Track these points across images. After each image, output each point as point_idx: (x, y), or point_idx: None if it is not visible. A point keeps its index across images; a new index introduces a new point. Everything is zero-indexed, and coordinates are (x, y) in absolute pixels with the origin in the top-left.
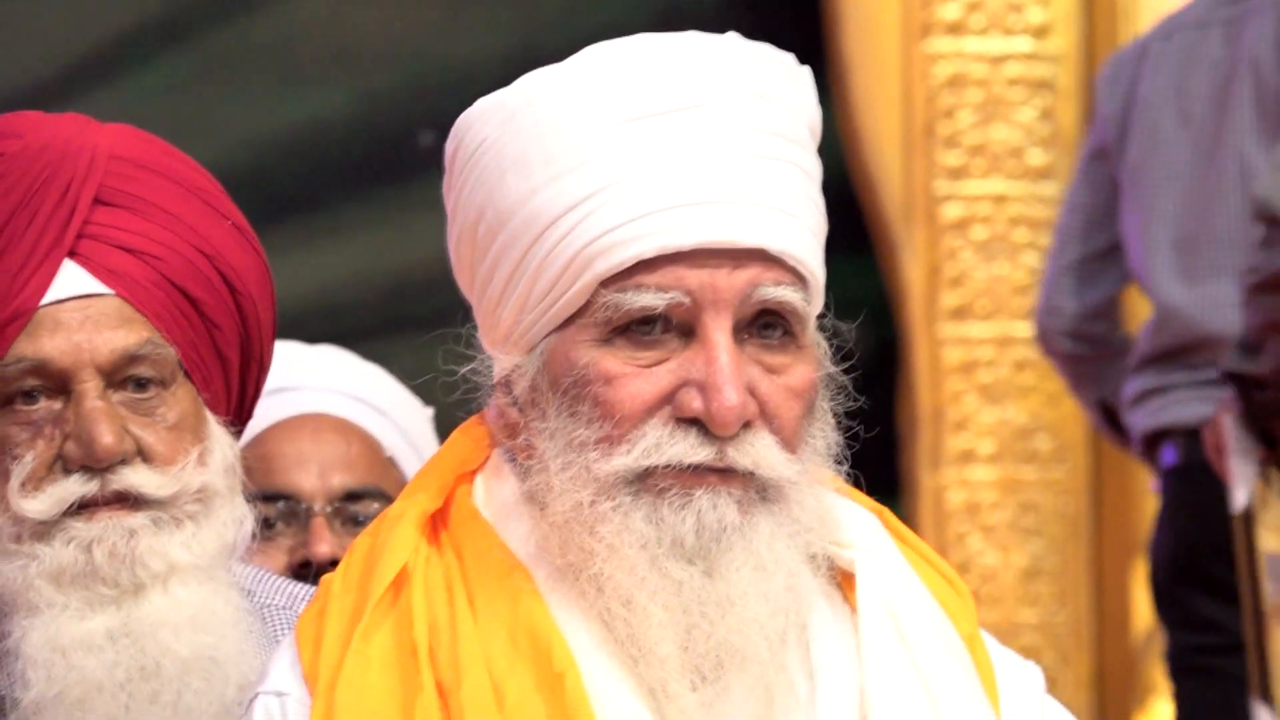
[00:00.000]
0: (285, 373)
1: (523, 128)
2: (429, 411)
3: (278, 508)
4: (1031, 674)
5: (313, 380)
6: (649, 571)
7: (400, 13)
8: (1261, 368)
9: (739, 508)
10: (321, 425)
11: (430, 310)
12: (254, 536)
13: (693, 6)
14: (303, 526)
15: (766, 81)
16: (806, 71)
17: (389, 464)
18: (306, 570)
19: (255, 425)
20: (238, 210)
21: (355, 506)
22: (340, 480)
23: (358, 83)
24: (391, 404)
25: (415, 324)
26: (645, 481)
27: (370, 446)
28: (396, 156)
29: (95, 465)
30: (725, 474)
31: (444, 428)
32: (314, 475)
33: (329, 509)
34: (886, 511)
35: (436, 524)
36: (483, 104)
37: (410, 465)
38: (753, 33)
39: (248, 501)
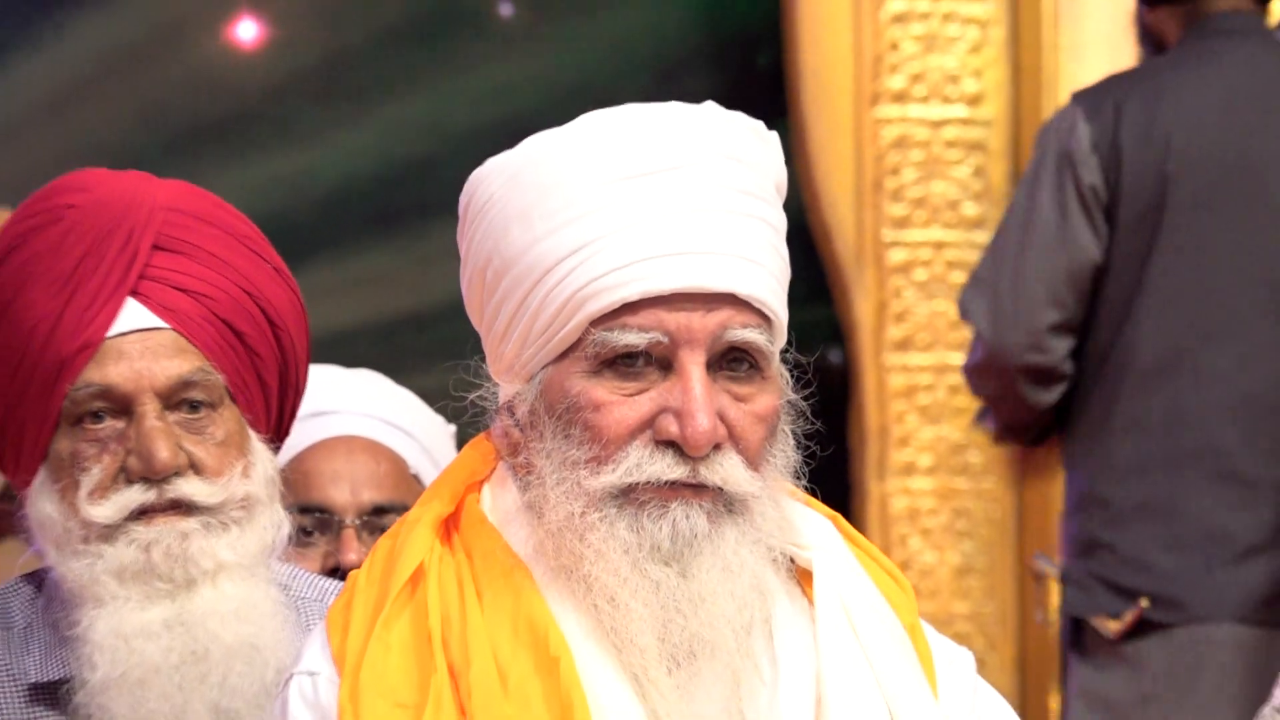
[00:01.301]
0: (325, 397)
1: (525, 185)
2: (451, 428)
3: (314, 519)
4: (964, 658)
5: (348, 405)
6: (631, 573)
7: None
8: None
9: (708, 518)
10: (354, 446)
11: (445, 341)
12: (290, 540)
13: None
14: (335, 536)
15: (739, 145)
16: (774, 136)
17: (413, 481)
18: (337, 575)
19: (297, 444)
20: (276, 254)
21: (382, 519)
22: (369, 496)
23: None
24: (417, 425)
25: (432, 354)
26: (628, 495)
27: (397, 465)
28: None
29: (154, 476)
30: (697, 489)
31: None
32: (346, 491)
33: (358, 521)
34: (839, 517)
35: (449, 527)
36: (491, 163)
37: (432, 479)
38: (727, 99)
39: (287, 511)
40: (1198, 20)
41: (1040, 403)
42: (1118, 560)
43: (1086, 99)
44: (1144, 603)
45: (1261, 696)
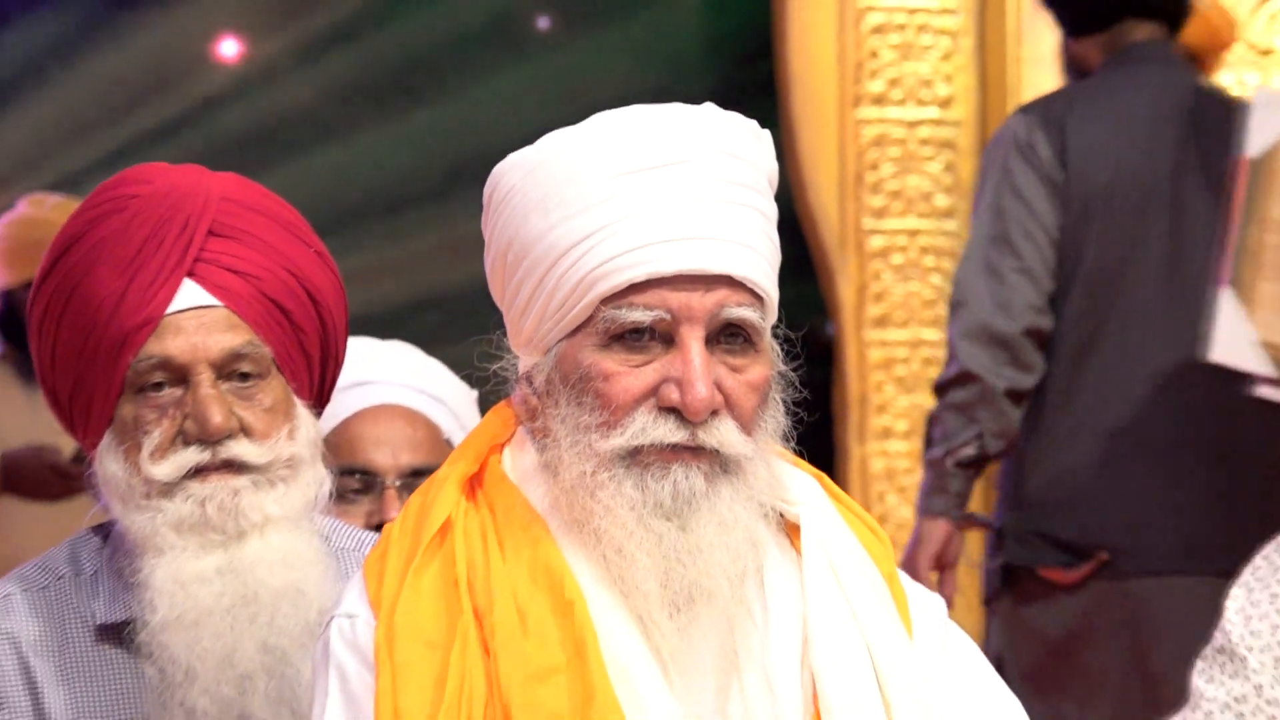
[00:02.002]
0: (364, 368)
1: (542, 178)
2: (474, 393)
3: (359, 480)
4: (935, 603)
5: (386, 376)
6: (636, 527)
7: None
8: None
9: (705, 478)
10: (394, 414)
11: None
12: (333, 498)
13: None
14: (378, 496)
15: (735, 142)
16: (767, 134)
17: (445, 444)
18: (379, 531)
19: (342, 412)
20: (318, 239)
21: (419, 481)
22: (408, 459)
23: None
24: (447, 393)
25: (460, 329)
26: (634, 457)
27: (432, 431)
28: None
29: (208, 439)
30: (696, 451)
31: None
32: (388, 455)
33: (398, 482)
34: (823, 475)
35: (473, 484)
36: (512, 158)
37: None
38: (725, 101)
39: (334, 473)
40: (1117, 49)
41: (1023, 385)
42: (1058, 517)
43: (1038, 110)
44: (1103, 556)
45: (1189, 638)
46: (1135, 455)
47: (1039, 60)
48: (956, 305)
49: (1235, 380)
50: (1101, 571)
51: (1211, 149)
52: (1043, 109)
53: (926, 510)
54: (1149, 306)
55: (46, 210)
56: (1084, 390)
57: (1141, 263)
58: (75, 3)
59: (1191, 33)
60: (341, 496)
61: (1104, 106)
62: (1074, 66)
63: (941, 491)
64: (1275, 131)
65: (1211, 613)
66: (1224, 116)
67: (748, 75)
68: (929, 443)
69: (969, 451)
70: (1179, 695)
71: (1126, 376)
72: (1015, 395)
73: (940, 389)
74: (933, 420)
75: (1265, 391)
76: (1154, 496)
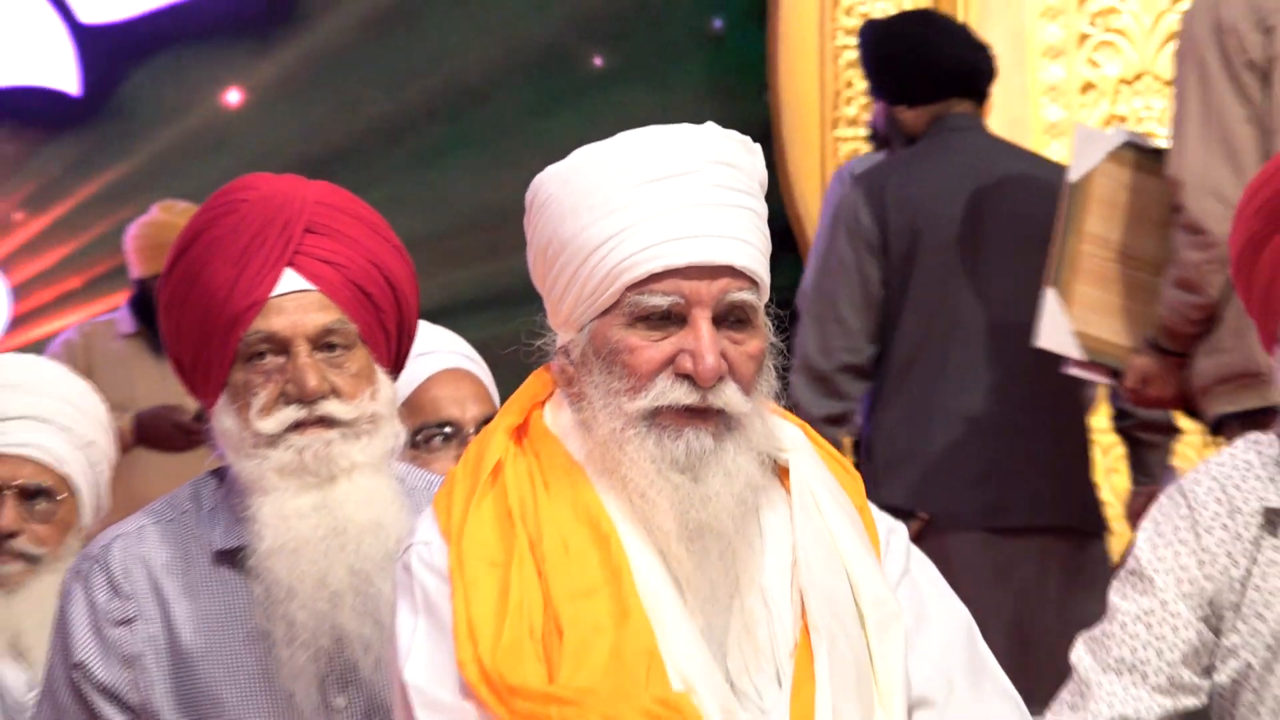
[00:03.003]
0: (425, 340)
1: (574, 187)
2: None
3: (444, 432)
4: (900, 529)
5: (443, 345)
6: (656, 477)
7: None
8: None
9: (713, 438)
10: (459, 375)
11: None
12: (420, 446)
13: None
14: (462, 442)
15: (732, 155)
16: (758, 147)
17: (491, 395)
18: None
19: (418, 376)
20: (395, 236)
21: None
22: (477, 410)
23: None
24: (477, 355)
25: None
26: (654, 418)
27: (483, 386)
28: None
29: (305, 399)
30: (704, 413)
31: (524, 376)
32: (463, 409)
33: (473, 430)
34: (806, 425)
35: (519, 434)
36: (550, 170)
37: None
38: (725, 122)
39: (423, 429)
40: (937, 120)
41: (855, 393)
42: (890, 485)
43: (864, 183)
44: (924, 516)
45: (996, 583)
46: (948, 434)
47: None
48: (796, 348)
49: (1056, 363)
50: (925, 530)
51: (1012, 195)
52: (867, 182)
53: None
54: (962, 318)
55: (174, 215)
56: (910, 388)
57: (955, 287)
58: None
59: None
60: (430, 446)
61: (921, 169)
62: (901, 131)
63: None
64: (1091, 161)
65: (1011, 563)
66: (1022, 169)
67: (747, 102)
68: None
69: None
70: (988, 639)
71: (941, 376)
72: (833, 419)
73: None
74: None
75: (1077, 371)
76: (963, 466)
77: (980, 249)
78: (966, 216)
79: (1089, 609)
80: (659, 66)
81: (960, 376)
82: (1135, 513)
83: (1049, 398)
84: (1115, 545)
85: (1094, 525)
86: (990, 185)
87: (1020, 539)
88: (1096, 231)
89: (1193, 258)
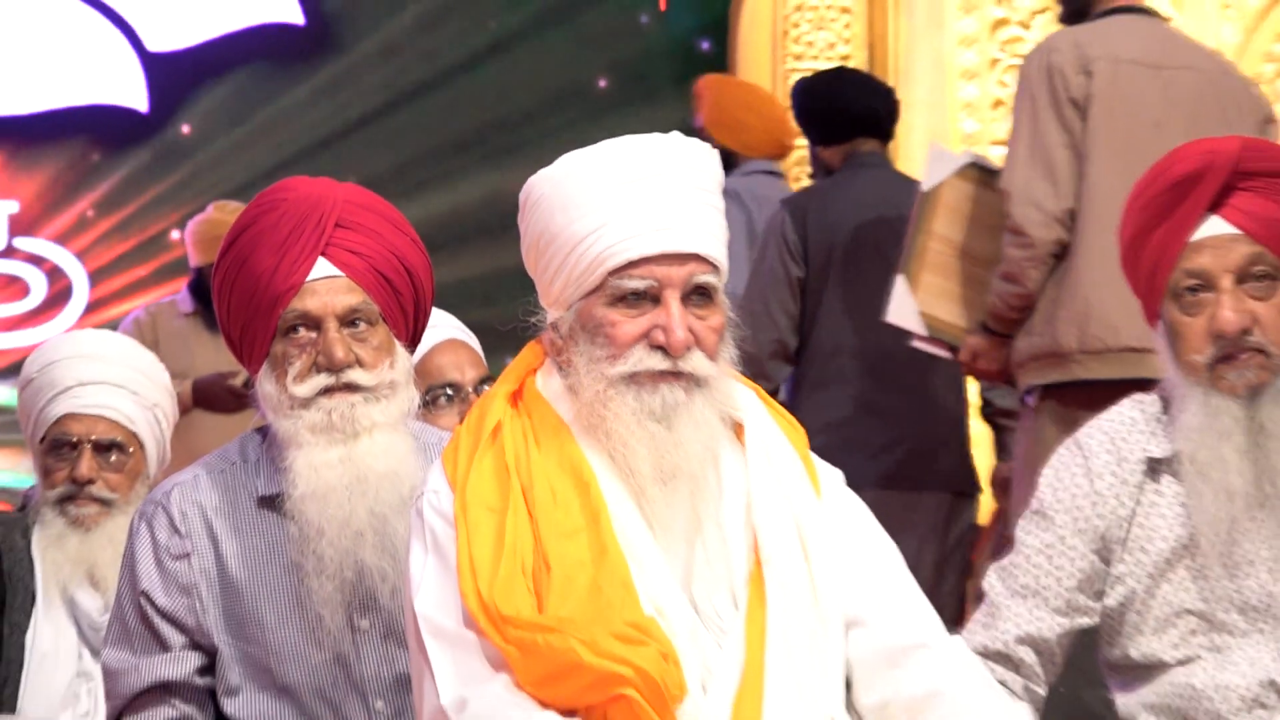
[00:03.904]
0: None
1: (562, 187)
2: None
3: (448, 393)
4: (837, 474)
5: (442, 321)
6: (635, 427)
7: None
8: None
9: (684, 392)
10: (457, 345)
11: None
12: (434, 405)
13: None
14: (464, 400)
15: (694, 159)
16: (715, 152)
17: (484, 362)
18: None
19: (422, 348)
20: (413, 230)
21: (485, 386)
22: (474, 374)
23: None
24: (466, 327)
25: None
26: (632, 380)
27: (477, 353)
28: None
29: (334, 369)
30: (676, 375)
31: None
32: (463, 373)
33: (473, 390)
34: (759, 388)
35: (516, 398)
36: (541, 173)
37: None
38: (687, 129)
39: (431, 389)
40: (851, 156)
41: (780, 375)
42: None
43: (790, 205)
44: None
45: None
46: (852, 414)
47: (911, 105)
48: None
49: (903, 336)
50: None
51: (905, 219)
52: (793, 206)
53: None
54: (865, 318)
55: (225, 213)
56: (826, 372)
57: (860, 292)
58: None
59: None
60: (436, 404)
61: (835, 196)
62: (821, 165)
63: None
64: (941, 175)
65: (900, 517)
66: (910, 195)
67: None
68: None
69: None
70: None
71: (845, 359)
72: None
73: None
74: None
75: (921, 345)
76: (863, 440)
77: (879, 261)
78: (869, 235)
79: (958, 555)
80: (656, 84)
81: (862, 366)
82: (997, 482)
83: (935, 385)
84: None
85: (969, 488)
86: (889, 211)
87: (907, 496)
88: (942, 232)
89: (1015, 255)
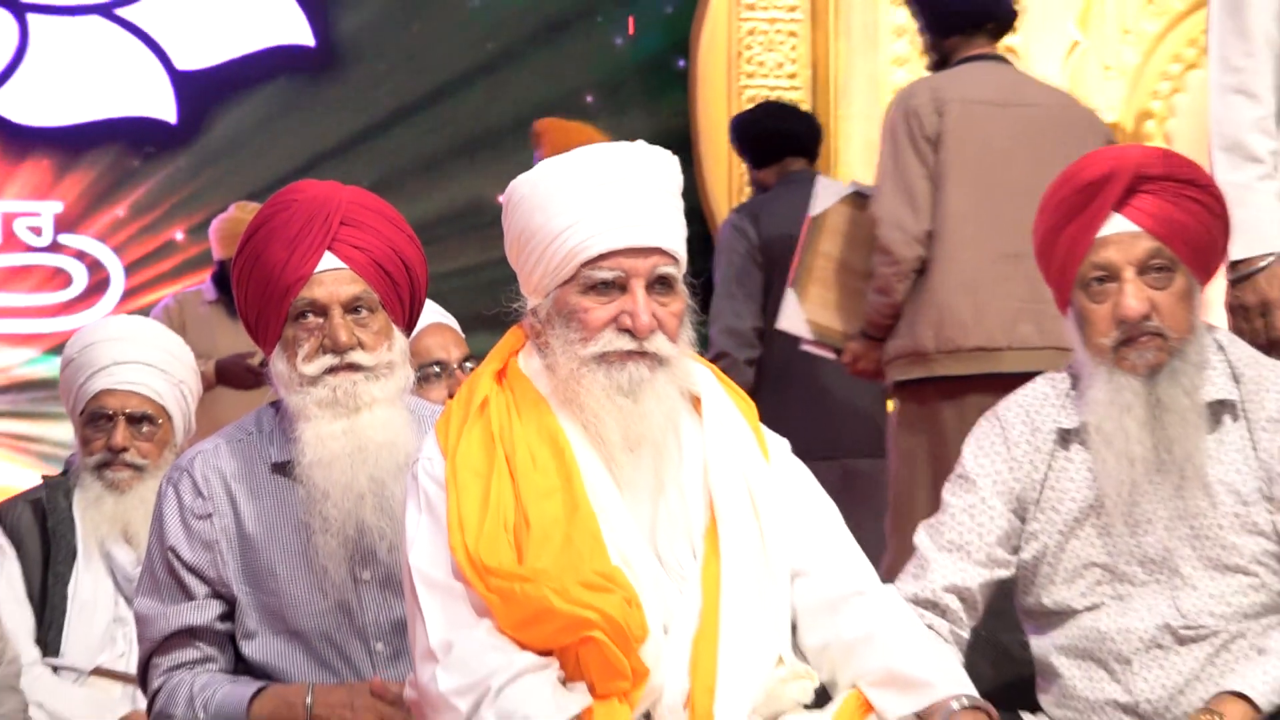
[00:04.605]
0: None
1: (541, 189)
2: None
3: (435, 369)
4: (783, 442)
5: (427, 308)
6: (605, 400)
7: None
8: None
9: (649, 369)
10: (442, 328)
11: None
12: (429, 380)
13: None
14: (450, 375)
15: (657, 164)
16: (676, 158)
17: (464, 341)
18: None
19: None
20: (409, 227)
21: (468, 363)
22: (458, 352)
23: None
24: (447, 312)
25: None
26: (603, 359)
27: (459, 335)
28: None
29: (338, 350)
30: (641, 355)
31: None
32: (449, 352)
33: (457, 367)
34: (714, 366)
35: (501, 376)
36: (521, 177)
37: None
38: (651, 138)
39: (422, 366)
40: (784, 175)
41: (753, 356)
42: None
43: (746, 210)
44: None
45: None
46: (790, 389)
47: (850, 118)
48: (714, 318)
49: (795, 341)
50: None
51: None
52: (749, 210)
53: None
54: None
55: (244, 212)
56: (780, 374)
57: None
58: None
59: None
60: (428, 379)
61: (775, 207)
62: (758, 184)
63: None
64: (827, 202)
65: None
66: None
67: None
68: None
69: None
70: None
71: (777, 346)
72: (750, 362)
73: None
74: None
75: (809, 348)
76: (784, 410)
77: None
78: (794, 238)
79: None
80: (638, 98)
81: (784, 349)
82: None
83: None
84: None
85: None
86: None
87: (831, 463)
88: (827, 250)
89: (884, 271)
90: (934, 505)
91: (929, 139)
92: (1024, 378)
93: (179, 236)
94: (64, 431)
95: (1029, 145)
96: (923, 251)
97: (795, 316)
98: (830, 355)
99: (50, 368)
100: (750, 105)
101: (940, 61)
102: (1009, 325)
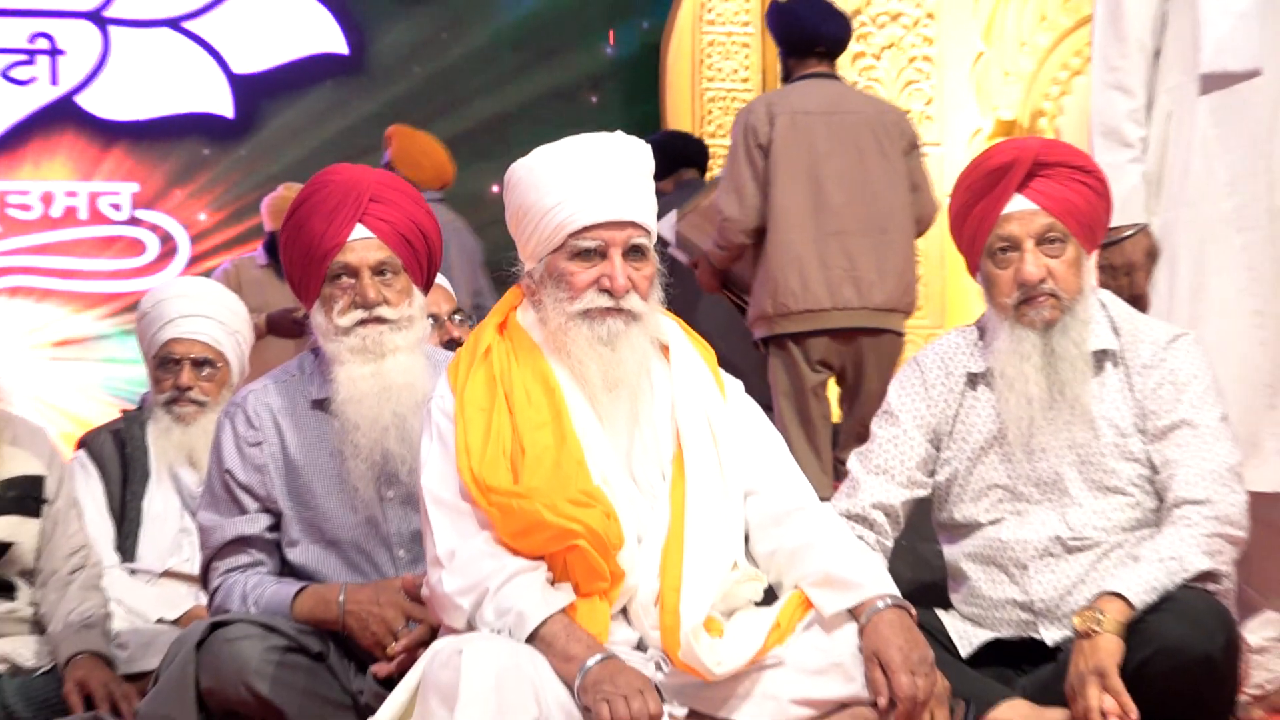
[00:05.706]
0: None
1: (535, 172)
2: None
3: (431, 320)
4: (738, 383)
5: None
6: (588, 349)
7: None
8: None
9: (625, 324)
10: (434, 286)
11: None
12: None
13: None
14: (441, 326)
15: (633, 151)
16: (648, 146)
17: (454, 296)
18: (450, 346)
19: None
20: (427, 203)
21: (458, 316)
22: (449, 306)
23: None
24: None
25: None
26: (585, 314)
27: (449, 292)
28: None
29: (367, 306)
30: (618, 311)
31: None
32: (440, 307)
33: (447, 319)
34: (679, 319)
35: (502, 328)
36: (520, 161)
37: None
38: (628, 129)
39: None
40: (679, 183)
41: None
42: None
43: (762, 101)
44: None
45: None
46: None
47: None
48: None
49: (664, 245)
50: None
51: (838, 111)
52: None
53: None
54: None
55: (291, 192)
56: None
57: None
58: None
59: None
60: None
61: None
62: (659, 192)
63: None
64: (664, 228)
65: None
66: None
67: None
68: None
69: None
70: None
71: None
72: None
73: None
74: None
75: (673, 252)
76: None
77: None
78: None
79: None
80: (619, 95)
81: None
82: None
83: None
84: None
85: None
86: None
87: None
88: (704, 206)
89: (716, 253)
90: (801, 432)
91: (761, 146)
92: (850, 331)
93: (235, 212)
94: (139, 372)
95: (847, 147)
96: (746, 240)
97: (668, 226)
98: (685, 259)
99: (126, 321)
100: (709, 103)
101: (787, 77)
102: (834, 290)
